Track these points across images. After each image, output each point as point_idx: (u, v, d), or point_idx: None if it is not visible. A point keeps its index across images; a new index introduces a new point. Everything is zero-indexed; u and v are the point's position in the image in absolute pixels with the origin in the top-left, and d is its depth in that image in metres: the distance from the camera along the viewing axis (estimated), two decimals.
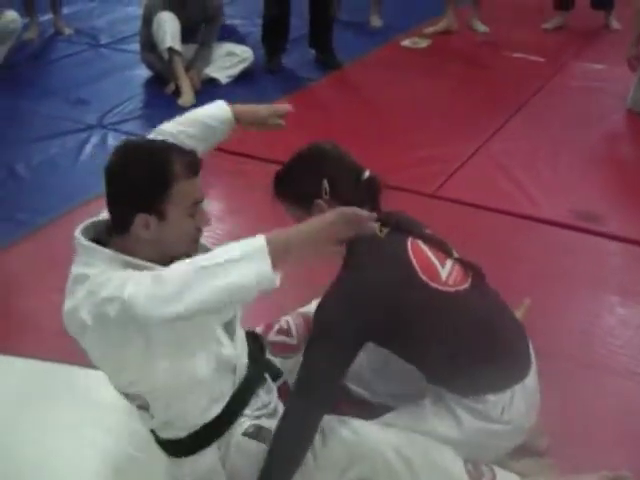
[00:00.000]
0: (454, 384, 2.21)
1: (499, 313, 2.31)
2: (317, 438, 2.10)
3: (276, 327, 2.52)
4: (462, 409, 2.19)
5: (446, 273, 2.17)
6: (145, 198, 1.89)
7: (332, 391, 2.11)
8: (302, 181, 2.20)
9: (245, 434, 2.12)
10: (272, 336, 2.50)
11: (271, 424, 2.11)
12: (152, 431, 2.18)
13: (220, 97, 2.48)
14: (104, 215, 2.04)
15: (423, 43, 6.43)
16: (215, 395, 2.09)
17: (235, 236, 1.87)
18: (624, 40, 5.20)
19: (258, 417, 2.15)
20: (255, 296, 1.81)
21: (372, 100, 5.41)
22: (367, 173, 2.22)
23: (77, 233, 1.96)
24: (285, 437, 2.08)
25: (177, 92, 5.28)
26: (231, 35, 6.35)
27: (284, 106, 2.52)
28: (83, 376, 2.64)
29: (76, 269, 1.91)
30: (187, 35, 5.42)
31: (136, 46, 5.81)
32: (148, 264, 1.89)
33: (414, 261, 2.13)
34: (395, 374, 2.39)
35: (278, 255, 1.77)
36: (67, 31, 6.55)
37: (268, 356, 2.39)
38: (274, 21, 5.86)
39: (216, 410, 2.09)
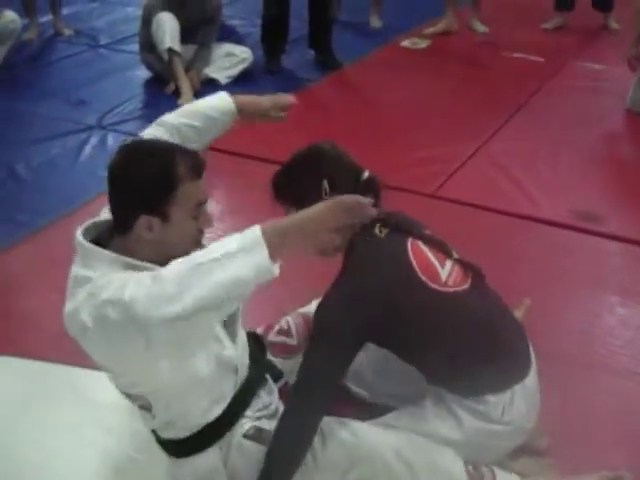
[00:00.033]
0: (454, 384, 2.21)
1: (499, 313, 2.31)
2: (317, 439, 2.10)
3: (276, 327, 2.53)
4: (463, 410, 2.19)
5: (446, 274, 2.17)
6: (149, 199, 1.88)
7: (332, 391, 2.11)
8: (302, 182, 2.19)
9: (245, 436, 2.12)
10: (272, 336, 2.50)
11: (272, 426, 2.11)
12: (153, 431, 2.18)
13: None
14: (106, 215, 2.04)
15: (423, 44, 6.43)
16: (216, 395, 2.09)
17: None
18: (624, 40, 5.20)
19: (259, 418, 2.15)
20: (254, 288, 1.78)
21: (372, 100, 5.41)
22: (367, 173, 2.22)
23: (78, 234, 1.95)
24: (284, 437, 2.08)
25: (177, 92, 5.29)
26: (230, 36, 6.35)
27: (287, 98, 2.49)
28: (83, 376, 2.64)
29: (76, 271, 1.91)
30: (186, 36, 5.42)
31: (136, 47, 5.81)
32: (149, 265, 1.88)
33: (414, 262, 2.13)
34: (395, 374, 2.39)
35: (275, 244, 1.74)
36: (67, 32, 6.55)
37: (269, 357, 2.39)
38: (273, 22, 5.86)
39: (217, 411, 2.09)
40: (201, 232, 1.99)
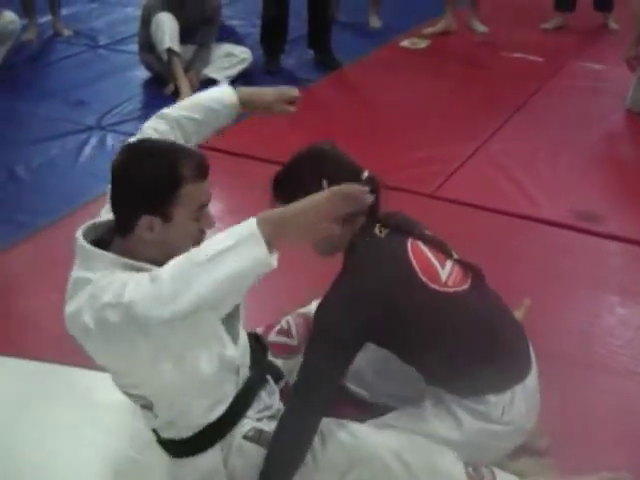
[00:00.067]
0: (454, 385, 2.21)
1: (499, 314, 2.31)
2: (316, 440, 2.10)
3: (277, 328, 2.52)
4: (463, 410, 2.19)
5: (446, 274, 2.17)
6: (152, 200, 1.87)
7: (331, 392, 2.11)
8: (301, 182, 2.19)
9: (245, 437, 2.12)
10: (273, 336, 2.50)
11: (272, 427, 2.11)
12: (154, 431, 2.18)
13: None
14: (106, 215, 2.03)
15: (422, 44, 6.43)
16: (218, 396, 2.09)
17: None
18: (623, 40, 5.20)
19: (260, 419, 2.15)
20: (253, 282, 1.77)
21: (371, 100, 5.41)
22: (366, 173, 2.22)
23: (78, 235, 1.94)
24: (284, 438, 2.08)
25: (176, 93, 5.28)
26: (230, 36, 6.35)
27: (291, 91, 2.44)
28: (83, 376, 2.64)
29: (77, 272, 1.90)
30: (186, 36, 5.42)
31: (135, 47, 5.82)
32: (149, 266, 1.87)
33: (414, 262, 2.13)
34: (395, 374, 2.39)
35: (272, 234, 1.72)
36: (66, 32, 6.54)
37: (269, 357, 2.39)
38: (273, 22, 5.86)
39: (219, 411, 2.09)
40: (202, 233, 1.98)
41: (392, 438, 2.15)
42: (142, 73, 5.75)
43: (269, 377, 2.27)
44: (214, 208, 2.00)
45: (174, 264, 1.76)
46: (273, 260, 1.74)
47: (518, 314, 2.71)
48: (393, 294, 2.09)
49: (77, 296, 1.84)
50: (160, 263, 1.84)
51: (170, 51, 5.32)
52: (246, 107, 2.38)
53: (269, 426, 2.12)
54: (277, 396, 2.26)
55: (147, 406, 2.05)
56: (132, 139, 2.22)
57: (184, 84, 5.29)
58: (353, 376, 2.41)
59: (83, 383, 2.65)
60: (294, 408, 2.10)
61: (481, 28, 6.65)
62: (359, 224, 2.18)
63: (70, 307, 1.85)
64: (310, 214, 1.77)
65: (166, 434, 2.14)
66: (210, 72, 5.56)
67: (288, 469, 2.08)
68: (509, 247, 3.57)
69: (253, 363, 2.19)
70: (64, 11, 6.77)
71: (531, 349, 2.33)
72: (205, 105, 2.31)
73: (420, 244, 2.19)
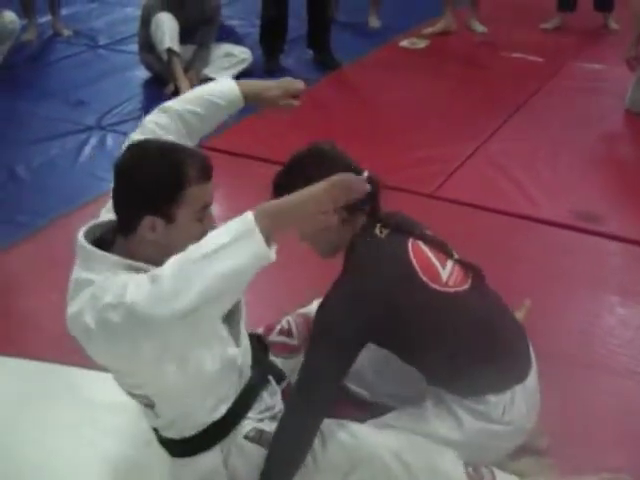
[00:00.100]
0: (454, 385, 2.21)
1: (499, 314, 2.31)
2: (317, 441, 2.10)
3: (277, 328, 2.52)
4: (463, 410, 2.19)
5: (447, 274, 2.17)
6: (155, 200, 1.86)
7: (333, 392, 2.11)
8: (302, 182, 2.18)
9: (246, 437, 2.11)
10: (273, 337, 2.50)
11: (272, 427, 2.10)
12: (155, 430, 2.18)
13: None
14: (108, 215, 2.03)
15: (421, 44, 6.43)
16: (220, 396, 2.08)
17: None
18: (623, 40, 5.20)
19: (261, 420, 2.15)
20: (253, 276, 1.75)
21: (371, 100, 5.41)
22: (366, 173, 2.21)
23: (80, 236, 1.93)
24: (284, 439, 2.08)
25: (176, 93, 5.26)
26: (229, 36, 6.35)
27: (296, 85, 2.38)
28: (83, 376, 2.64)
29: (78, 273, 1.89)
30: (185, 36, 5.43)
31: (135, 47, 5.82)
32: (151, 267, 1.85)
33: (415, 262, 2.13)
34: (395, 374, 2.39)
35: (270, 227, 1.71)
36: (66, 32, 6.55)
37: (271, 358, 2.39)
38: (272, 22, 5.86)
39: (221, 411, 2.08)
40: (204, 234, 1.96)
41: (392, 438, 2.15)
42: (142, 73, 5.75)
43: (271, 378, 2.27)
44: (214, 208, 2.00)
45: (173, 262, 1.74)
46: (272, 253, 1.73)
47: (519, 315, 2.71)
48: (394, 294, 2.09)
49: (78, 297, 1.83)
50: (162, 264, 1.82)
51: (170, 51, 5.32)
52: (249, 101, 2.35)
53: (270, 426, 2.12)
54: (279, 397, 2.25)
55: (149, 405, 2.04)
56: (134, 133, 2.22)
57: (184, 84, 5.28)
58: (353, 376, 2.40)
59: (83, 383, 2.65)
60: (295, 408, 2.10)
61: (480, 28, 6.65)
62: (359, 224, 2.18)
63: (71, 308, 1.84)
64: (308, 205, 1.76)
65: (167, 433, 2.14)
66: (210, 72, 5.56)
67: (289, 469, 2.08)
68: (509, 247, 3.57)
69: (255, 363, 2.19)
70: (64, 11, 6.78)
71: (531, 349, 2.33)
72: (208, 99, 2.29)
73: (421, 244, 2.19)
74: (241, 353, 2.10)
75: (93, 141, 4.68)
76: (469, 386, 2.19)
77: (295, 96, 2.38)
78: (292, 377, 2.29)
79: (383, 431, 2.17)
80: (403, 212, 2.32)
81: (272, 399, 2.21)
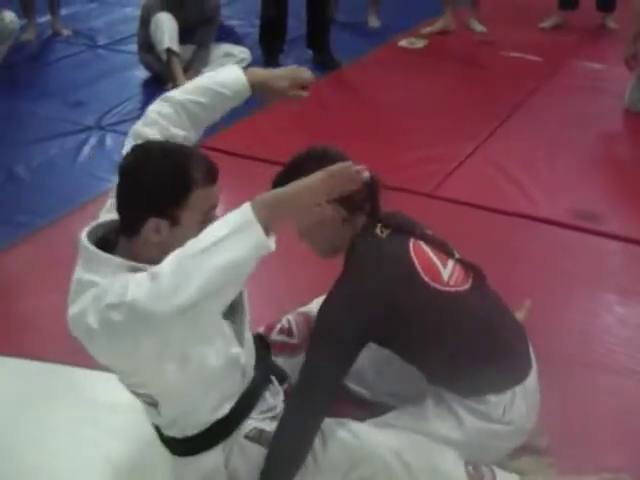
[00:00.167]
0: (454, 384, 2.21)
1: (499, 314, 2.31)
2: (317, 441, 2.10)
3: (278, 327, 2.52)
4: (464, 410, 2.19)
5: (448, 274, 2.17)
6: (160, 203, 1.84)
7: (333, 392, 2.11)
8: None
9: (247, 437, 2.11)
10: (274, 336, 2.50)
11: (273, 427, 2.10)
12: (157, 429, 2.18)
13: None
14: (107, 215, 2.02)
15: (420, 43, 6.42)
16: (223, 395, 2.08)
17: None
18: (623, 40, 5.19)
19: (262, 420, 2.14)
20: (253, 267, 1.74)
21: (370, 100, 5.41)
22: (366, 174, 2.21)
23: (83, 236, 1.92)
24: (284, 438, 2.08)
25: None
26: (229, 36, 6.35)
27: (305, 76, 2.32)
28: (84, 377, 2.65)
29: (80, 274, 1.88)
30: (185, 36, 5.42)
31: (134, 47, 5.82)
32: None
33: (416, 261, 2.14)
34: (396, 374, 2.39)
35: (268, 217, 1.71)
36: (65, 32, 6.54)
37: (273, 358, 2.38)
38: (271, 22, 5.87)
39: (224, 410, 2.08)
40: None
41: (392, 437, 2.15)
42: (141, 73, 5.74)
43: (273, 378, 2.26)
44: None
45: (172, 259, 1.73)
46: (271, 243, 1.72)
47: (519, 315, 2.71)
48: (394, 294, 2.09)
49: (80, 299, 1.82)
50: None
51: (169, 51, 5.32)
52: (256, 90, 2.28)
53: (270, 426, 2.12)
54: (281, 397, 2.25)
55: (152, 404, 2.04)
56: (136, 124, 2.20)
57: (183, 84, 5.26)
58: (354, 375, 2.40)
59: (84, 383, 2.65)
60: (295, 408, 2.10)
61: (479, 28, 6.65)
62: (360, 224, 2.19)
63: (73, 309, 1.83)
64: (305, 195, 1.76)
65: (170, 432, 2.13)
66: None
67: (289, 469, 2.09)
68: (508, 246, 3.57)
69: (257, 363, 2.18)
70: (63, 11, 6.77)
71: (531, 349, 2.33)
72: (212, 89, 2.22)
73: (422, 244, 2.19)
74: (245, 353, 2.10)
75: (92, 141, 4.68)
76: (469, 386, 2.19)
77: (303, 87, 2.33)
78: (293, 377, 2.29)
79: (383, 430, 2.17)
80: (403, 212, 2.32)
81: (274, 399, 2.21)
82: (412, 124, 4.89)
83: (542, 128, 4.81)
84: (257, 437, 2.11)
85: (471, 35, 6.62)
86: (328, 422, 2.13)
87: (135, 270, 1.84)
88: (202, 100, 2.21)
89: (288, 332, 2.51)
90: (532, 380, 2.28)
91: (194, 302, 1.69)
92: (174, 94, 2.23)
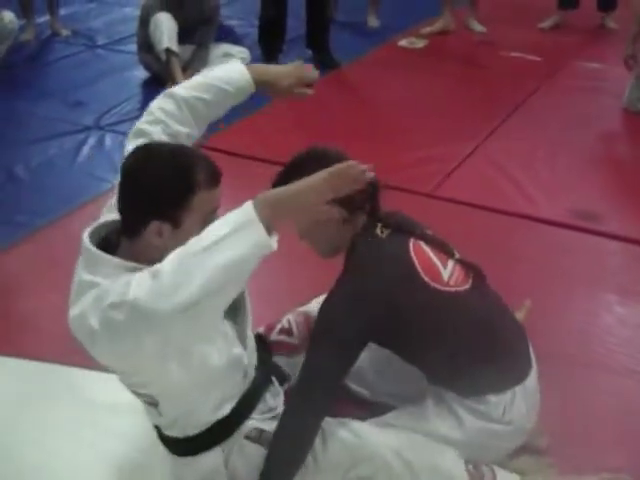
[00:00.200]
0: (455, 384, 2.21)
1: (499, 314, 2.31)
2: (317, 440, 2.10)
3: (278, 327, 2.52)
4: (464, 410, 2.19)
5: (448, 274, 2.17)
6: (163, 206, 1.83)
7: (333, 392, 2.11)
8: None
9: (247, 437, 2.11)
10: (274, 336, 2.50)
11: (273, 427, 2.10)
12: (157, 429, 2.17)
13: None
14: (110, 215, 2.01)
15: (420, 43, 6.43)
16: (224, 395, 2.08)
17: None
18: (622, 40, 5.19)
19: (263, 420, 2.14)
20: (255, 266, 1.74)
21: (369, 100, 5.41)
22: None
23: (85, 237, 1.91)
24: (284, 438, 2.08)
25: None
26: (228, 36, 6.35)
27: (311, 74, 2.33)
28: (83, 377, 2.65)
29: (82, 275, 1.87)
30: (184, 36, 5.42)
31: (133, 47, 5.82)
32: None
33: (416, 261, 2.13)
34: (396, 374, 2.39)
35: (270, 216, 1.70)
36: (64, 32, 6.54)
37: (274, 358, 2.38)
38: (271, 22, 5.87)
39: (225, 410, 2.08)
40: None
41: (393, 437, 2.15)
42: (140, 73, 5.74)
43: (274, 378, 2.26)
44: None
45: (174, 257, 1.73)
46: (273, 242, 1.72)
47: (519, 315, 2.71)
48: (395, 294, 2.09)
49: (82, 300, 1.81)
50: None
51: (168, 51, 5.32)
52: (260, 86, 2.26)
53: (270, 426, 2.11)
54: (281, 398, 2.24)
55: (152, 403, 2.03)
56: (139, 121, 2.18)
57: None
58: (354, 375, 2.40)
59: (83, 383, 2.65)
60: (295, 408, 2.10)
61: (479, 28, 6.65)
62: (360, 224, 2.18)
63: (74, 311, 1.82)
64: (308, 195, 1.76)
65: (170, 432, 2.13)
66: None
67: (289, 470, 2.08)
68: (508, 246, 3.57)
69: (258, 364, 2.18)
70: (62, 11, 6.77)
71: (531, 349, 2.33)
72: (216, 85, 2.19)
73: (422, 244, 2.19)
74: (248, 354, 2.09)
75: (91, 141, 4.67)
76: (470, 386, 2.19)
77: (308, 84, 2.32)
78: (293, 376, 2.29)
79: (384, 430, 2.17)
80: (402, 212, 2.32)
81: (275, 400, 2.21)
82: (412, 124, 4.89)
83: (542, 128, 4.82)
84: (257, 437, 2.10)
85: (471, 35, 6.63)
86: (328, 421, 2.13)
87: (136, 271, 1.82)
88: (206, 97, 2.19)
89: (288, 332, 2.51)
90: (532, 380, 2.28)
91: (195, 300, 1.69)
92: (177, 90, 2.20)
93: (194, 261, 1.70)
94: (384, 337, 2.17)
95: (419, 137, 4.66)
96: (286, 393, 2.27)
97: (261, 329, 2.50)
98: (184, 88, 2.21)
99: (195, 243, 1.72)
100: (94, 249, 1.88)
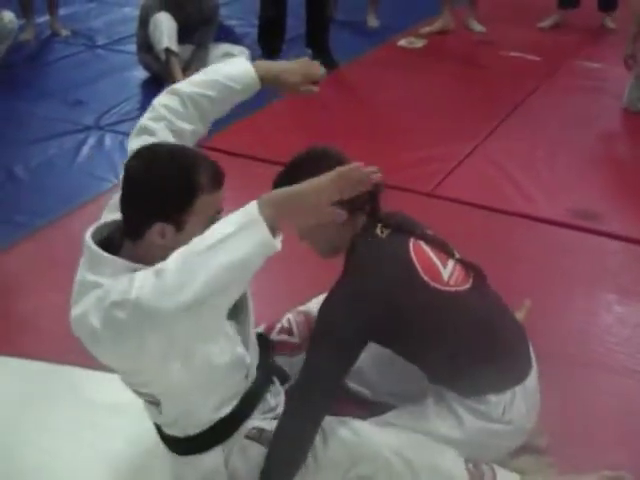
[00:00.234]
0: (455, 384, 2.21)
1: (499, 314, 2.31)
2: (318, 439, 2.10)
3: (278, 326, 2.52)
4: (464, 409, 2.20)
5: (448, 274, 2.17)
6: (166, 208, 1.82)
7: (333, 392, 2.11)
8: None
9: (247, 436, 2.11)
10: (274, 335, 2.50)
11: (273, 426, 2.10)
12: (158, 428, 2.17)
13: None
14: (111, 215, 2.00)
15: (419, 43, 6.43)
16: (225, 395, 2.08)
17: None
18: (622, 39, 5.19)
19: (263, 420, 2.14)
20: (259, 266, 1.73)
21: (369, 100, 5.41)
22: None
23: (87, 237, 1.90)
24: (284, 438, 2.08)
25: None
26: (228, 36, 6.35)
27: (317, 71, 2.29)
28: (83, 377, 2.64)
29: (84, 275, 1.86)
30: (184, 36, 5.42)
31: (133, 47, 5.82)
32: None
33: (416, 261, 2.14)
34: (396, 373, 2.39)
35: (275, 217, 1.70)
36: (64, 32, 6.53)
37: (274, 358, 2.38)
38: (270, 22, 5.87)
39: (226, 410, 2.08)
40: None
41: (393, 436, 2.15)
42: (140, 73, 5.74)
43: (274, 378, 2.26)
44: None
45: (177, 256, 1.72)
46: (277, 242, 1.71)
47: (519, 315, 2.71)
48: (395, 294, 2.09)
49: (83, 299, 1.81)
50: None
51: (168, 51, 5.32)
52: (266, 83, 2.24)
53: (270, 425, 2.11)
54: (282, 397, 2.24)
55: (154, 402, 2.03)
56: (143, 118, 2.17)
57: None
58: (354, 374, 2.40)
59: (84, 383, 2.65)
60: (295, 408, 2.10)
61: (478, 27, 6.65)
62: (360, 224, 2.18)
63: (76, 310, 1.82)
64: (313, 196, 1.75)
65: (171, 431, 2.13)
66: None
67: (289, 469, 2.08)
68: (507, 246, 3.57)
69: (259, 363, 2.18)
70: (62, 11, 6.76)
71: (531, 349, 2.33)
72: (221, 82, 2.17)
73: (422, 244, 2.19)
74: (250, 354, 2.09)
75: (91, 141, 4.67)
76: (470, 386, 2.19)
77: (315, 82, 2.31)
78: (294, 377, 2.29)
79: (384, 429, 2.17)
80: (403, 212, 2.32)
81: (275, 400, 2.21)
82: (412, 124, 4.89)
83: (541, 127, 4.82)
84: (257, 436, 2.10)
85: (470, 35, 6.63)
86: (329, 420, 2.12)
87: (137, 271, 1.81)
88: (210, 93, 2.17)
89: (288, 332, 2.51)
90: (532, 380, 2.28)
91: (198, 299, 1.68)
92: (182, 87, 2.18)
93: (198, 260, 1.69)
94: (384, 337, 2.17)
95: (419, 137, 4.66)
96: (286, 393, 2.27)
97: (261, 329, 2.49)
98: (188, 84, 2.19)
99: (199, 242, 1.72)
100: (96, 249, 1.87)
